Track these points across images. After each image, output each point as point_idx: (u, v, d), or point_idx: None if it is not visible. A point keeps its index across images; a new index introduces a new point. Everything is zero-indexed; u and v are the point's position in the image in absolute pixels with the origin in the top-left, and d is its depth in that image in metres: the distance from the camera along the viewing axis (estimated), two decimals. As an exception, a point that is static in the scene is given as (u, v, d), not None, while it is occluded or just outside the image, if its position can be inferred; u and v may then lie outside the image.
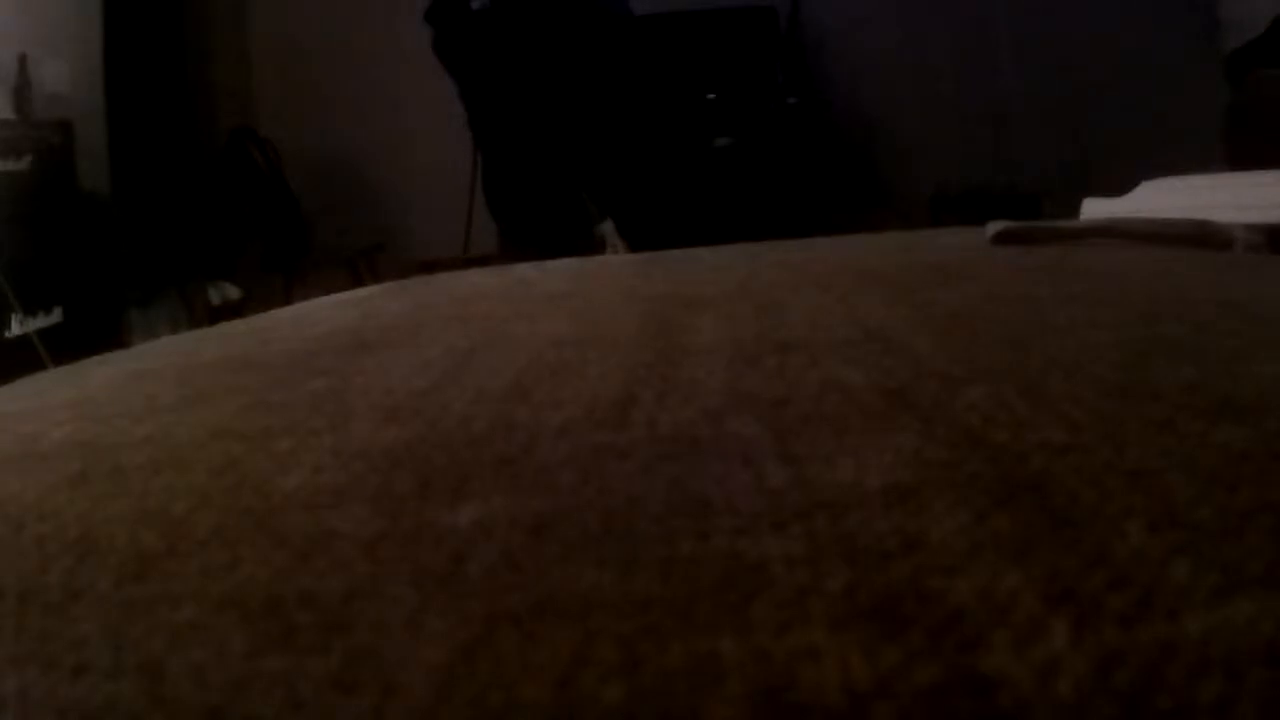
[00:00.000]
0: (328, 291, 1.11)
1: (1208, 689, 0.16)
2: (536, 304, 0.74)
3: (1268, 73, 2.11)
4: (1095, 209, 1.07)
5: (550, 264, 1.15)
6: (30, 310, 2.53)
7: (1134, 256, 0.74)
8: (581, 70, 2.37)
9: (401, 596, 0.21)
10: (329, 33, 3.89)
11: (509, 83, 2.41)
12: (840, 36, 3.66)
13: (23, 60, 2.83)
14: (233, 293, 3.41)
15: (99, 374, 0.57)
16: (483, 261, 1.96)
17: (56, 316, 2.66)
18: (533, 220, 2.42)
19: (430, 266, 2.95)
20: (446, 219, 3.85)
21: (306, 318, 0.80)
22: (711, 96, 3.27)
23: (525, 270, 1.09)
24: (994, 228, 0.86)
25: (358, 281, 3.16)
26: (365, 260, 3.52)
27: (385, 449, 0.32)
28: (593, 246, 2.17)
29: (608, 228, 2.21)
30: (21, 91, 2.82)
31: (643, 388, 0.38)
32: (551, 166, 2.39)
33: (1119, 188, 1.08)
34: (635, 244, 2.11)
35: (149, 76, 3.44)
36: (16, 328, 2.50)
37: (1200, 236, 0.78)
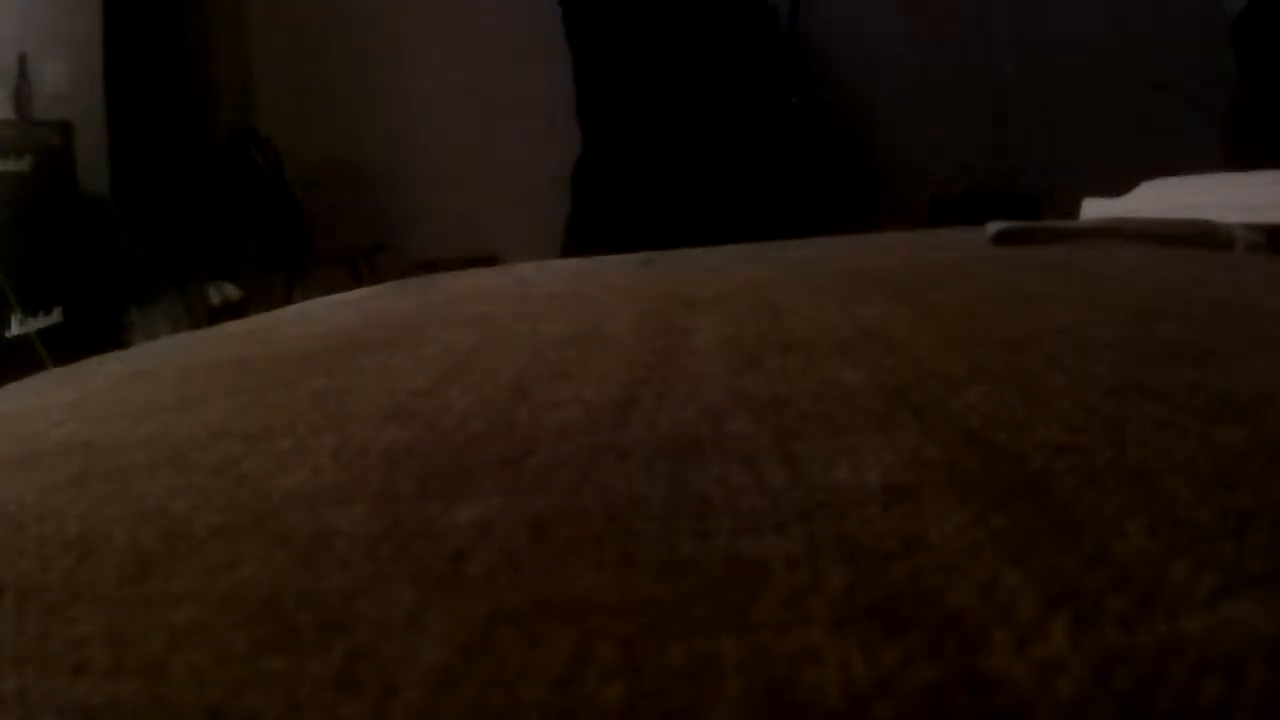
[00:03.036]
0: (328, 291, 1.11)
1: (1208, 689, 0.16)
2: (536, 304, 0.74)
3: (1268, 73, 2.11)
4: (1095, 209, 1.07)
5: (550, 264, 1.15)
6: (30, 310, 2.53)
7: (1134, 256, 0.74)
8: (723, 63, 2.28)
9: (401, 596, 0.21)
10: (329, 33, 3.89)
11: (640, 62, 2.34)
12: (840, 36, 3.65)
13: (23, 60, 2.83)
14: (233, 293, 3.41)
15: (99, 374, 0.57)
16: (483, 261, 1.96)
17: (56, 316, 2.66)
18: (621, 212, 2.36)
19: (430, 266, 2.95)
20: (446, 219, 3.85)
21: (306, 318, 0.80)
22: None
23: (525, 270, 1.09)
24: (994, 228, 0.86)
25: (358, 281, 3.16)
26: (365, 260, 3.52)
27: (385, 449, 0.32)
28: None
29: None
30: (21, 91, 2.82)
31: (643, 388, 0.38)
32: (664, 158, 2.32)
33: (1119, 188, 1.08)
34: (634, 244, 2.11)
35: (149, 76, 3.44)
36: (16, 328, 2.50)
37: (1200, 236, 0.78)
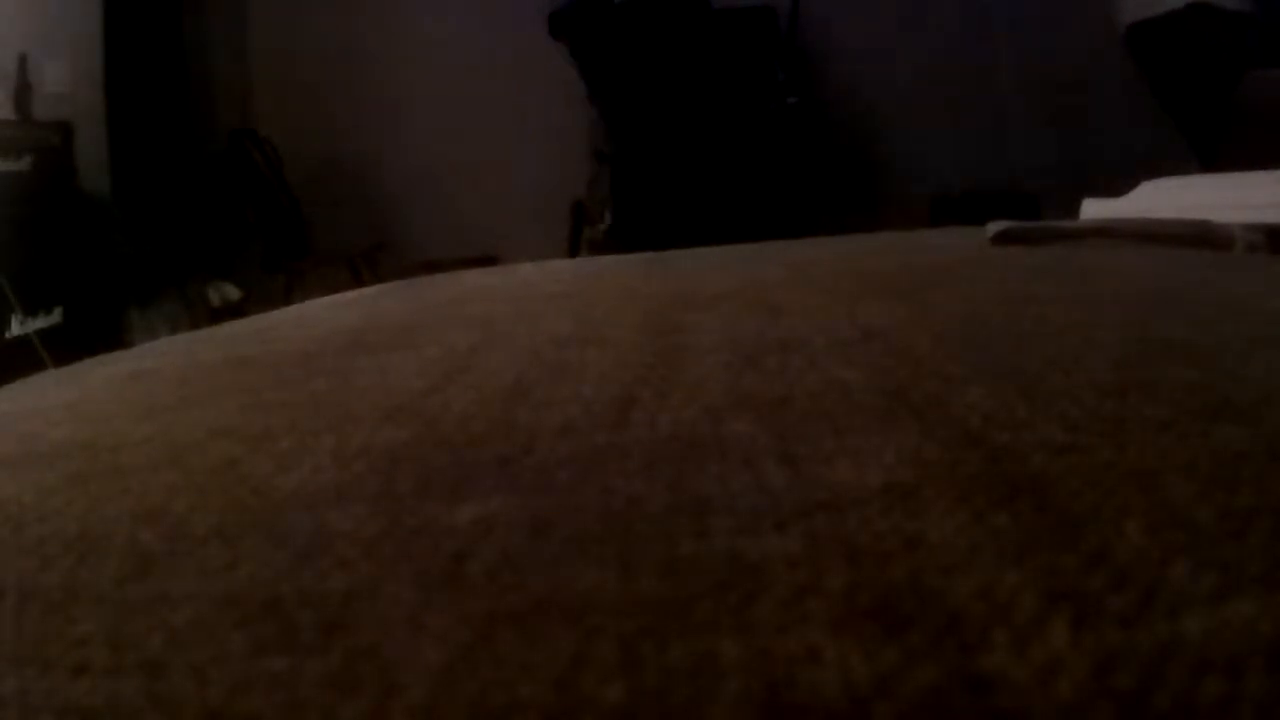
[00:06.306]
0: (328, 291, 1.11)
1: (1208, 689, 0.16)
2: (536, 304, 0.74)
3: (1266, 73, 2.10)
4: (1095, 209, 1.07)
5: (550, 264, 1.15)
6: (30, 310, 2.53)
7: (1134, 256, 0.74)
8: (699, 65, 2.45)
9: (401, 596, 0.21)
10: (328, 33, 3.89)
11: (650, 78, 2.48)
12: (840, 36, 3.65)
13: (23, 60, 2.83)
14: (233, 293, 3.40)
15: (99, 374, 0.57)
16: (483, 261, 1.96)
17: (56, 316, 2.66)
18: (664, 217, 2.49)
19: (430, 266, 2.95)
20: (446, 219, 3.85)
21: (306, 318, 0.80)
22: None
23: (525, 270, 1.09)
24: (994, 228, 0.86)
25: (358, 281, 3.16)
26: (365, 260, 3.52)
27: (385, 449, 0.32)
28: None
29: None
30: (21, 91, 2.82)
31: (643, 388, 0.38)
32: (688, 161, 2.46)
33: (1119, 188, 1.08)
34: (633, 244, 2.16)
35: (149, 77, 3.44)
36: (16, 328, 2.50)
37: (1200, 236, 0.78)
